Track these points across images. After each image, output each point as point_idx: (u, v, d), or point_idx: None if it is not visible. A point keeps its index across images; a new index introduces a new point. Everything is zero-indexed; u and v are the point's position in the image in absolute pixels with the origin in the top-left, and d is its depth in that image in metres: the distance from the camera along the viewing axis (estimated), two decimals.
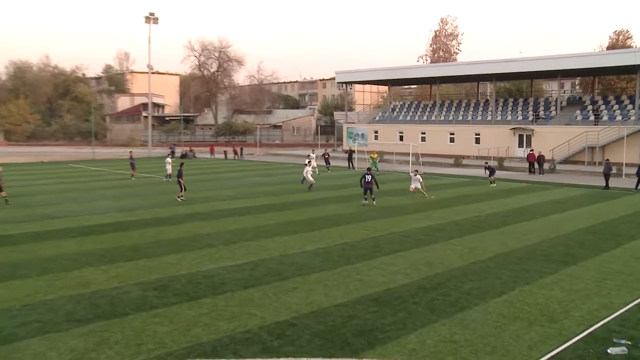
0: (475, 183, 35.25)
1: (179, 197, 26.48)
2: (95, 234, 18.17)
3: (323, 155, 46.48)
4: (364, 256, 15.30)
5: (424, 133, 62.17)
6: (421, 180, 28.27)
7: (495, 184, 33.55)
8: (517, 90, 76.69)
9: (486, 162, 37.66)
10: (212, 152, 64.73)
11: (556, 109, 55.39)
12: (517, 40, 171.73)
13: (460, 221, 20.97)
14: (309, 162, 34.11)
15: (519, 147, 53.57)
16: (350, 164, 46.81)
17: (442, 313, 10.72)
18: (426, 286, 12.48)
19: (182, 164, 28.30)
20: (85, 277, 13.12)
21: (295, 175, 39.42)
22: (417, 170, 30.12)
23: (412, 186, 28.28)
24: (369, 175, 25.38)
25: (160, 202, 26.07)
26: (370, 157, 42.30)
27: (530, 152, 43.24)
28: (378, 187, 26.11)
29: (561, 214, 22.83)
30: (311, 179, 31.46)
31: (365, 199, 25.17)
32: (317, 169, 40.47)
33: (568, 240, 17.40)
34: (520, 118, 57.00)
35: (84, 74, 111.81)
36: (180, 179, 26.87)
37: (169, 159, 36.67)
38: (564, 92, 69.33)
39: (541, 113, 55.94)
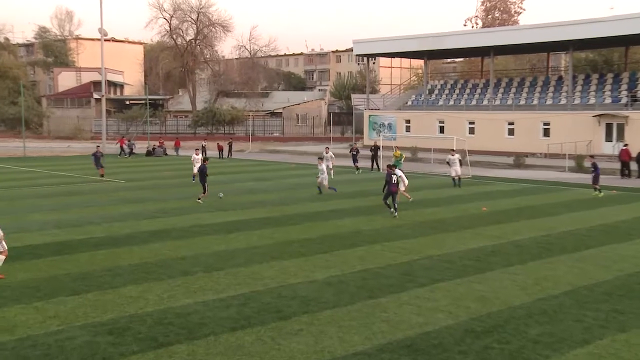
0: (543, 190, 35.11)
1: (199, 199, 29.41)
2: (27, 259, 18.20)
3: (351, 151, 46.97)
4: (391, 288, 15.29)
5: (473, 123, 62.11)
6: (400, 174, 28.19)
7: (602, 193, 32.32)
8: (605, 63, 76.14)
9: (592, 157, 35.87)
10: (177, 147, 65.13)
11: None
12: None
13: (523, 242, 20.88)
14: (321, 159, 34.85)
15: (606, 140, 53.35)
16: (375, 163, 46.95)
17: None
18: (476, 329, 12.43)
19: (206, 160, 31.57)
20: (10, 318, 13.06)
21: (301, 180, 39.47)
22: (392, 167, 30.02)
23: (402, 188, 28.68)
24: (395, 176, 25.77)
25: (118, 214, 26.20)
26: (394, 155, 42.43)
27: (624, 147, 42.92)
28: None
29: None
30: (325, 183, 32.91)
31: (390, 208, 25.54)
32: (332, 172, 40.49)
33: None
34: (608, 101, 56.77)
35: (7, 39, 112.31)
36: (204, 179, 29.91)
37: (197, 156, 37.97)
38: None
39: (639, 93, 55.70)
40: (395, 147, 45.84)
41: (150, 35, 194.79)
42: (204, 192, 29.75)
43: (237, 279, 16.06)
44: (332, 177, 39.91)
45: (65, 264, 17.53)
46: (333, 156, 41.23)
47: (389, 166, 27.71)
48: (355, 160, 45.63)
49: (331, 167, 40.18)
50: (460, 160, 36.41)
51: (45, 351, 11.30)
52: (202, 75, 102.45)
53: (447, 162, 36.72)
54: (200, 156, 38.08)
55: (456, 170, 35.86)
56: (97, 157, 41.28)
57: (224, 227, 23.37)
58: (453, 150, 37.10)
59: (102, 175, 40.32)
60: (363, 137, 72.04)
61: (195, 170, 36.83)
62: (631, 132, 51.15)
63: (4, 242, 16.29)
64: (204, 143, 63.49)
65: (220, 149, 60.35)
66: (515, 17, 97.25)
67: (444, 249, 19.65)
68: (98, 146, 44.88)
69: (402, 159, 42.21)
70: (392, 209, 25.43)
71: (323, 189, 32.93)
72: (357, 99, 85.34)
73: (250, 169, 49.06)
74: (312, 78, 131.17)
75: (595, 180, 32.82)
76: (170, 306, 13.80)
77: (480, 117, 62.00)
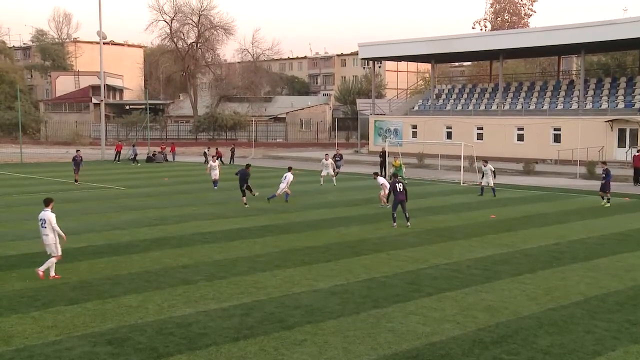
0: (553, 197, 35.13)
1: (268, 199, 31.74)
2: (24, 267, 18.23)
3: (334, 157, 47.08)
4: (397, 297, 15.32)
5: (481, 128, 62.09)
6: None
7: (609, 203, 31.58)
8: (618, 67, 76.06)
9: (604, 163, 34.70)
10: (172, 152, 65.30)
11: None
12: None
13: (532, 250, 20.90)
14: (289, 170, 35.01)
15: (618, 146, 53.28)
16: (383, 170, 46.96)
17: None
18: (485, 340, 12.45)
19: (248, 167, 32.93)
20: (7, 328, 13.09)
21: (305, 186, 39.53)
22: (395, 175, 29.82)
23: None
24: (400, 184, 25.56)
25: (117, 222, 26.26)
26: (392, 164, 42.40)
27: (638, 153, 42.82)
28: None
29: None
30: (284, 190, 33.17)
31: (395, 222, 25.21)
32: (334, 179, 40.75)
33: None
34: (621, 106, 56.76)
35: (3, 42, 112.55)
36: (246, 183, 31.59)
37: (214, 163, 39.15)
38: None
39: None
40: (395, 156, 45.65)
41: (151, 38, 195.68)
42: (253, 192, 31.92)
43: (239, 288, 16.09)
44: (335, 184, 40.13)
45: (63, 272, 17.55)
46: (332, 163, 41.36)
47: (394, 174, 27.71)
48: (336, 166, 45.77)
49: (332, 173, 40.44)
50: (493, 170, 35.54)
51: None
52: (204, 80, 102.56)
53: (483, 173, 35.73)
54: (217, 162, 38.97)
55: (488, 181, 35.12)
56: (77, 161, 41.79)
57: (225, 234, 23.43)
58: (485, 160, 36.05)
59: (75, 181, 41.21)
60: (368, 143, 72.09)
61: (214, 176, 38.28)
62: None
63: (59, 246, 17.07)
64: (207, 150, 63.56)
65: (219, 156, 58.53)
66: (526, 20, 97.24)
67: (451, 258, 19.66)
68: (78, 150, 45.54)
69: (403, 169, 42.08)
70: (395, 223, 25.10)
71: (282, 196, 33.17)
72: (362, 104, 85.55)
73: (252, 175, 48.97)
74: (316, 82, 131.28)
75: (605, 187, 32.12)
76: (171, 316, 13.84)
77: (489, 122, 61.96)
